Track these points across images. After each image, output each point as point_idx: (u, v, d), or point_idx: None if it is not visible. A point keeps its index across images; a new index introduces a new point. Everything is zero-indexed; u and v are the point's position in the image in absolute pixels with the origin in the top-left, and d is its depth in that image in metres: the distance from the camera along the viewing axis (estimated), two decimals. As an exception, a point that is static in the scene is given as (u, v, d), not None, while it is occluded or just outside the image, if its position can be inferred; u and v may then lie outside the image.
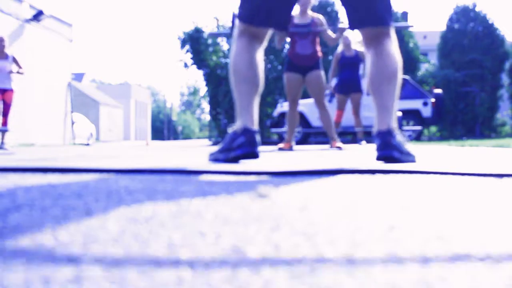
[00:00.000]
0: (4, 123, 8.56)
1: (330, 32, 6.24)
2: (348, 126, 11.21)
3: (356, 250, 0.62)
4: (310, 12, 6.15)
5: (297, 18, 6.09)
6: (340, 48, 8.32)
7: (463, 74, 18.78)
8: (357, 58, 8.29)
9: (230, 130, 2.46)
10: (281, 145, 6.36)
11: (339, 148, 6.17)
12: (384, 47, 2.40)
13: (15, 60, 8.76)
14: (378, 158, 2.23)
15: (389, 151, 2.19)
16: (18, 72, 8.72)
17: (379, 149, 2.24)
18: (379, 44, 2.40)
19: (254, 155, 2.34)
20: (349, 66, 8.18)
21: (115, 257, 0.59)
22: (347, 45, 8.22)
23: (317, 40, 6.17)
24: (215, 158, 2.53)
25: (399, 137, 2.27)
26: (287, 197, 1.15)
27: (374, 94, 2.40)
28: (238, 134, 2.37)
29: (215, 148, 2.66)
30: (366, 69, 2.54)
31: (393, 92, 2.37)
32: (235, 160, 2.37)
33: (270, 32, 2.56)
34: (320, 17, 6.20)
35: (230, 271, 0.53)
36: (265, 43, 2.58)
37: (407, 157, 2.25)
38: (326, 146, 8.31)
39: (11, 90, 8.63)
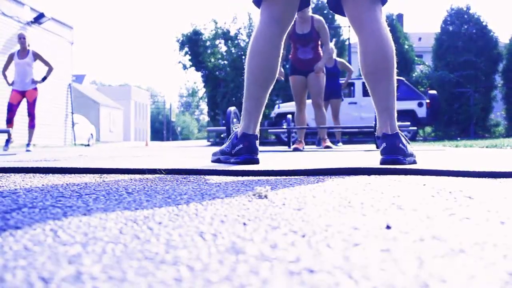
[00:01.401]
0: (31, 124, 8.01)
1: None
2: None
3: (353, 249, 0.62)
4: (309, 16, 6.08)
5: (298, 26, 6.07)
6: None
7: (458, 75, 18.82)
8: (337, 69, 8.69)
9: (234, 128, 2.43)
10: (295, 145, 6.40)
11: (329, 147, 6.34)
12: (374, 26, 2.21)
13: (37, 56, 8.14)
14: (384, 162, 2.13)
15: (395, 156, 2.11)
16: (43, 79, 8.12)
17: (385, 152, 2.15)
18: (369, 21, 2.22)
19: (253, 162, 2.31)
20: (330, 75, 8.44)
21: (115, 256, 0.59)
22: (329, 56, 8.49)
23: (319, 44, 6.20)
24: (217, 160, 2.52)
25: (404, 139, 2.20)
26: (284, 197, 1.15)
27: (372, 92, 2.27)
28: (238, 140, 2.35)
29: (215, 149, 2.64)
30: (359, 55, 2.30)
31: (392, 88, 2.23)
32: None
33: (294, 13, 2.37)
34: (321, 19, 6.16)
35: (229, 270, 0.53)
36: (288, 28, 2.39)
37: (410, 159, 2.19)
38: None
39: (34, 89, 8.13)
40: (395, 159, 2.11)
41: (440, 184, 1.42)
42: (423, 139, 17.14)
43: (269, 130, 10.01)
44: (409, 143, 2.26)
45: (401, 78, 14.03)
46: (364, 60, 2.26)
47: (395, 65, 2.26)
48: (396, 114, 2.25)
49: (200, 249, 0.63)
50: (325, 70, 8.45)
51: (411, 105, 13.66)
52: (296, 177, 1.75)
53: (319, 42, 6.21)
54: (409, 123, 6.00)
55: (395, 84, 2.27)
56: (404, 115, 13.03)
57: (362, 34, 2.26)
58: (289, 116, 8.81)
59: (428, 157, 3.17)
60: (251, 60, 2.37)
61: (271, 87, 2.42)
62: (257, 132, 2.38)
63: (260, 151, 4.47)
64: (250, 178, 1.72)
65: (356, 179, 1.62)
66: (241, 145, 2.34)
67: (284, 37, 2.42)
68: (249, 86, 2.39)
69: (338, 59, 8.83)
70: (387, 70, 2.23)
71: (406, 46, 19.75)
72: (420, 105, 13.76)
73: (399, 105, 13.10)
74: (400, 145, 2.15)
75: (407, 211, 0.93)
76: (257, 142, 2.37)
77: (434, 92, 14.27)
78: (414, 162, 2.21)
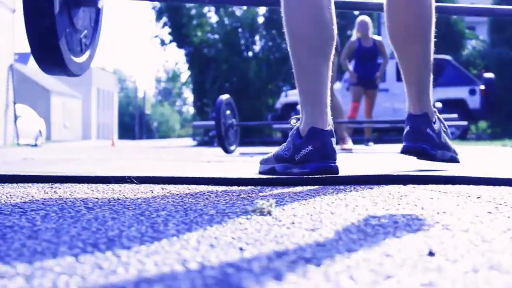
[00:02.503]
0: None
1: None
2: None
3: (384, 283, 0.62)
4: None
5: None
6: (354, 36, 8.58)
7: (522, 54, 18.83)
8: (375, 49, 8.63)
9: (292, 122, 2.21)
10: (346, 145, 6.42)
11: (349, 150, 6.37)
12: None
13: None
14: (404, 151, 2.09)
15: (419, 144, 2.06)
16: None
17: (406, 139, 2.10)
18: None
19: (330, 172, 1.95)
20: (366, 58, 8.48)
21: (68, 292, 0.59)
22: (365, 33, 8.44)
23: None
24: (270, 170, 2.16)
25: (437, 125, 2.14)
26: (294, 213, 1.15)
27: (399, 59, 2.18)
28: (304, 138, 2.00)
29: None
30: (385, 12, 2.18)
31: (427, 53, 2.14)
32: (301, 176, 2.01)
33: None
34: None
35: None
36: None
37: (445, 154, 2.13)
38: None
39: None
40: (417, 148, 2.06)
41: (499, 197, 1.41)
42: (476, 136, 17.16)
43: (274, 126, 10.01)
44: (446, 130, 2.21)
45: (446, 57, 14.04)
46: (390, 19, 2.17)
47: (433, 25, 2.15)
48: (431, 89, 2.17)
49: (182, 282, 0.62)
50: (360, 51, 8.51)
51: (460, 92, 13.66)
52: (309, 187, 1.74)
53: None
54: (456, 115, 5.95)
55: (432, 49, 2.18)
56: (451, 105, 13.00)
57: None
58: (299, 107, 8.81)
59: (483, 160, 3.17)
60: (291, 14, 2.07)
61: (332, 54, 2.09)
62: (330, 125, 2.05)
63: (263, 153, 4.44)
64: (249, 188, 1.71)
65: (388, 189, 1.62)
66: (309, 147, 1.97)
67: None
68: (298, 56, 2.08)
69: (376, 37, 8.78)
70: (420, 30, 2.14)
71: (454, 16, 19.77)
72: (472, 92, 13.76)
73: (444, 93, 13.13)
74: (428, 130, 2.09)
75: (456, 232, 0.93)
76: (333, 140, 2.03)
77: (490, 75, 14.26)
78: (455, 160, 2.17)
